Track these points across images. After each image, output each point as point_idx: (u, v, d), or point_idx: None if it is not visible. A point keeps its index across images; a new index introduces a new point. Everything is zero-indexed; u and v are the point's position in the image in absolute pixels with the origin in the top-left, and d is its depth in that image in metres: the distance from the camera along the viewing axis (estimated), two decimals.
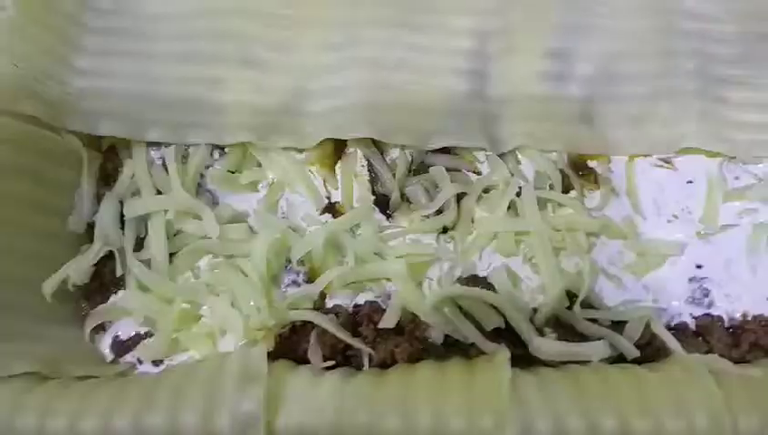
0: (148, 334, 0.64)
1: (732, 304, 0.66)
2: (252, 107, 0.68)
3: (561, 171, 0.68)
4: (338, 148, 0.69)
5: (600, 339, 0.63)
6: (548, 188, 0.68)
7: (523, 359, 0.62)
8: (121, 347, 0.64)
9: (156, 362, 0.63)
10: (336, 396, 0.57)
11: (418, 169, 0.69)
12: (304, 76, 0.69)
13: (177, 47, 0.70)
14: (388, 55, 0.69)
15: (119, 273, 0.64)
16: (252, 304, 0.62)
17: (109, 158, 0.69)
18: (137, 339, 0.64)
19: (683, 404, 0.56)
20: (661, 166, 0.69)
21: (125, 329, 0.65)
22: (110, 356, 0.64)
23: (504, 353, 0.60)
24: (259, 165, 0.68)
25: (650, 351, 0.63)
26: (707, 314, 0.65)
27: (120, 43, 0.69)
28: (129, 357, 0.64)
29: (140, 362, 0.64)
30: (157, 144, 0.68)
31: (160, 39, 0.70)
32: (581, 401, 0.57)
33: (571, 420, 0.56)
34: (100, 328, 0.65)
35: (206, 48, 0.69)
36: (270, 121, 0.68)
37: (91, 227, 0.66)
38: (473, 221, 0.67)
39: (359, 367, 0.62)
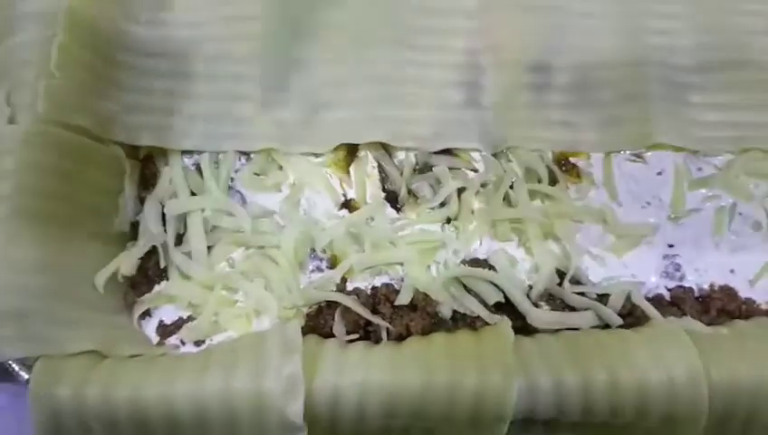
0: (189, 318, 0.72)
1: (700, 276, 0.74)
2: (274, 119, 0.76)
3: (548, 167, 0.77)
4: (350, 152, 0.77)
5: (587, 310, 0.72)
6: (537, 182, 0.76)
7: (522, 330, 0.70)
8: (166, 331, 0.71)
9: (197, 343, 0.71)
10: (362, 360, 0.64)
11: (423, 168, 0.77)
12: (319, 90, 0.78)
13: (206, 68, 0.77)
14: (392, 71, 0.78)
15: (162, 265, 0.72)
16: (284, 286, 0.71)
17: (146, 165, 0.76)
18: (179, 323, 0.72)
19: (663, 358, 0.64)
20: (634, 160, 0.78)
21: (169, 314, 0.72)
22: (155, 339, 0.71)
23: (506, 322, 0.68)
24: (281, 168, 0.76)
25: (632, 320, 0.71)
26: (680, 286, 0.74)
27: (155, 63, 0.77)
28: (172, 339, 0.71)
29: (183, 343, 0.71)
30: (189, 152, 0.76)
31: (191, 60, 0.77)
32: (575, 359, 0.65)
33: (567, 375, 0.64)
34: (146, 314, 0.72)
35: (230, 69, 0.78)
36: (290, 130, 0.76)
37: (133, 226, 0.74)
38: (473, 212, 0.75)
39: (378, 340, 0.70)
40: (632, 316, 0.72)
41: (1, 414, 0.77)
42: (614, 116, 0.79)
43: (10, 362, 0.65)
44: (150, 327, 0.72)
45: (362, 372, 0.63)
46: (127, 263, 0.71)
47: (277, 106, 0.77)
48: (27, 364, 0.65)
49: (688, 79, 0.80)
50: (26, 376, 0.64)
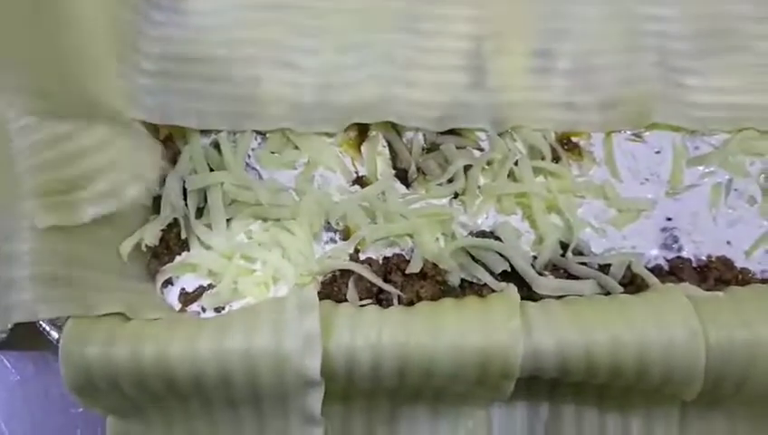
0: (209, 286, 0.75)
1: (698, 248, 0.78)
2: (288, 101, 0.80)
3: (551, 146, 0.80)
4: (362, 132, 0.81)
5: (589, 279, 0.75)
6: (540, 159, 0.80)
7: (528, 299, 0.73)
8: (188, 298, 0.75)
9: (217, 310, 0.74)
10: (376, 320, 0.68)
11: (431, 147, 0.80)
12: (330, 73, 0.81)
13: (222, 52, 0.81)
14: (399, 55, 0.82)
15: (183, 235, 0.76)
16: (300, 255, 0.74)
17: (167, 145, 0.80)
18: (200, 291, 0.75)
19: (663, 319, 0.67)
20: (633, 140, 0.81)
21: (190, 283, 0.76)
22: (177, 306, 0.75)
23: (512, 287, 0.72)
24: (295, 147, 0.80)
25: (633, 288, 0.74)
26: (678, 257, 0.77)
27: (175, 49, 0.81)
28: (194, 307, 0.75)
29: (204, 310, 0.74)
30: (207, 132, 0.80)
31: (208, 45, 0.82)
32: (578, 321, 0.67)
33: (570, 335, 0.67)
34: (168, 283, 0.76)
35: (247, 53, 0.81)
36: (304, 111, 0.80)
37: (155, 200, 0.78)
38: (479, 188, 0.78)
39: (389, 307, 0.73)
40: (633, 285, 0.75)
41: (26, 384, 0.80)
42: (614, 98, 0.82)
43: (41, 322, 0.68)
44: (173, 295, 0.76)
45: (376, 332, 0.67)
46: (150, 233, 0.75)
47: (293, 88, 0.80)
48: (58, 325, 0.68)
49: (685, 63, 0.84)
50: (57, 335, 0.68)
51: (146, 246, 0.75)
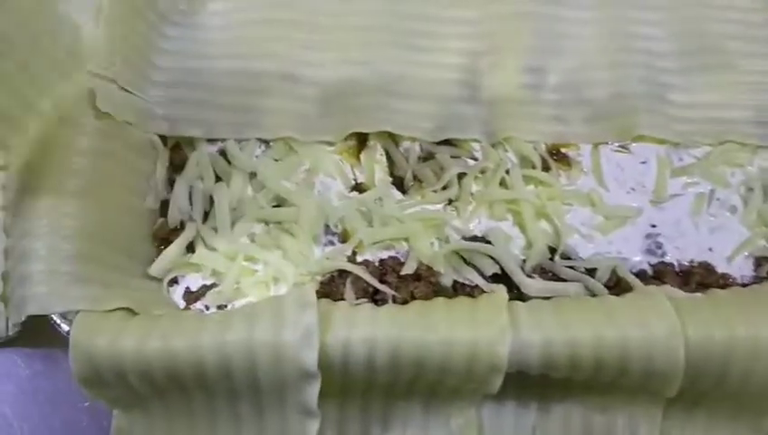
0: (213, 286, 0.79)
1: (681, 253, 0.81)
2: (292, 111, 0.85)
3: (541, 156, 0.84)
4: (360, 142, 0.85)
5: (576, 281, 0.79)
6: (531, 168, 0.83)
7: (517, 299, 0.76)
8: (192, 296, 0.78)
9: (220, 307, 0.78)
10: (371, 317, 0.71)
11: (427, 157, 0.84)
12: (332, 86, 0.86)
13: (231, 65, 0.86)
14: (397, 70, 0.87)
15: (190, 238, 0.80)
16: (300, 256, 0.78)
17: (175, 152, 0.84)
18: (204, 290, 0.78)
19: (643, 318, 0.70)
20: (620, 151, 0.85)
21: (194, 282, 0.79)
22: (182, 304, 0.78)
23: (501, 287, 0.75)
24: (297, 155, 0.84)
25: (617, 290, 0.77)
26: (662, 262, 0.81)
27: (186, 62, 0.86)
28: (198, 305, 0.78)
29: (207, 308, 0.78)
30: (213, 140, 0.84)
31: (217, 59, 0.87)
32: (563, 318, 0.70)
33: (555, 332, 0.69)
34: (174, 282, 0.79)
35: (254, 66, 0.86)
36: (306, 121, 0.84)
37: (163, 205, 0.82)
38: (472, 194, 0.82)
39: None
40: (618, 287, 0.78)
41: (36, 378, 0.84)
42: (602, 112, 0.86)
43: (53, 316, 0.72)
44: (177, 294, 0.79)
45: (370, 328, 0.70)
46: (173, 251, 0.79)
47: (296, 99, 0.85)
48: (68, 318, 0.71)
49: (670, 80, 0.89)
50: (67, 328, 0.71)
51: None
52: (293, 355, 0.68)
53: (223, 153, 0.83)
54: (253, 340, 0.68)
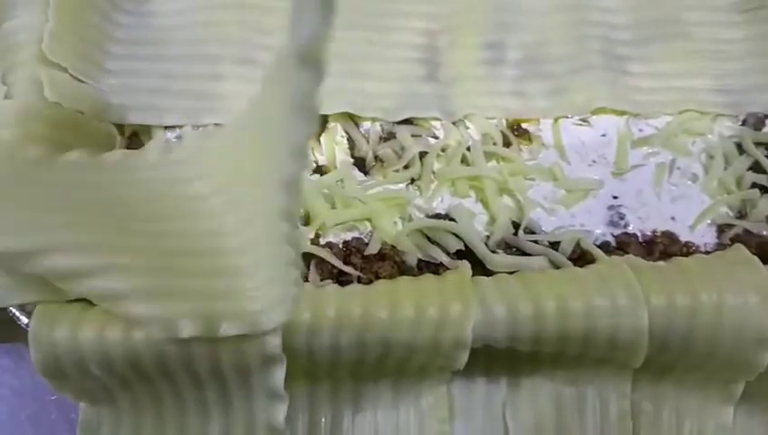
0: None
1: (644, 223, 0.81)
2: (248, 95, 0.83)
3: (502, 132, 0.84)
4: (320, 123, 0.84)
5: (540, 255, 0.79)
6: (492, 145, 0.83)
7: (483, 275, 0.77)
8: None
9: None
10: (335, 297, 0.70)
11: (388, 137, 0.84)
12: None
13: (185, 51, 0.85)
14: (357, 50, 0.86)
15: None
16: None
17: (131, 140, 0.83)
18: None
19: (607, 287, 0.70)
20: (580, 124, 0.85)
21: None
22: None
23: (465, 263, 0.75)
24: None
25: (582, 263, 0.77)
26: (625, 233, 0.81)
27: (140, 49, 0.85)
28: None
29: None
30: (171, 127, 0.83)
31: (171, 45, 0.85)
32: (528, 291, 0.70)
33: (521, 305, 0.69)
34: None
35: (209, 51, 0.85)
36: None
37: None
38: (434, 173, 0.82)
39: None
40: (582, 260, 0.78)
41: (1, 373, 0.83)
42: (561, 86, 0.87)
43: (11, 308, 0.71)
44: None
45: (335, 307, 0.69)
46: None
47: (252, 83, 0.84)
48: (27, 311, 0.70)
49: (628, 51, 0.89)
50: (26, 320, 0.70)
51: None
52: (255, 338, 0.67)
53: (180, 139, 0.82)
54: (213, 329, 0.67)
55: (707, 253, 0.80)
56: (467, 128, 0.85)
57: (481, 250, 0.77)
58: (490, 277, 0.74)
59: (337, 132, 0.84)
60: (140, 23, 0.87)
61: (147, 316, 0.64)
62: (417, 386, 0.77)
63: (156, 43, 0.86)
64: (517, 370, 0.77)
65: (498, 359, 0.75)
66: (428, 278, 0.74)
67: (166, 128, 0.83)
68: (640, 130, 0.85)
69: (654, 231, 0.81)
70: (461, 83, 0.86)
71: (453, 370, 0.73)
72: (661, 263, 0.75)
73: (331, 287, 0.73)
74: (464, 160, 0.82)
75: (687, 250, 0.80)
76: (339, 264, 0.77)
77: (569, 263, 0.77)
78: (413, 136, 0.84)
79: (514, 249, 0.79)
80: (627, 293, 0.70)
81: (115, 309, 0.65)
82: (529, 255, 0.79)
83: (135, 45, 0.85)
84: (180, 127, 0.83)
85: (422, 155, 0.83)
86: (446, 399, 0.77)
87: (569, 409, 0.77)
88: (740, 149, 0.84)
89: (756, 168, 0.83)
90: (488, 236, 0.79)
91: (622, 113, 0.86)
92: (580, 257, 0.79)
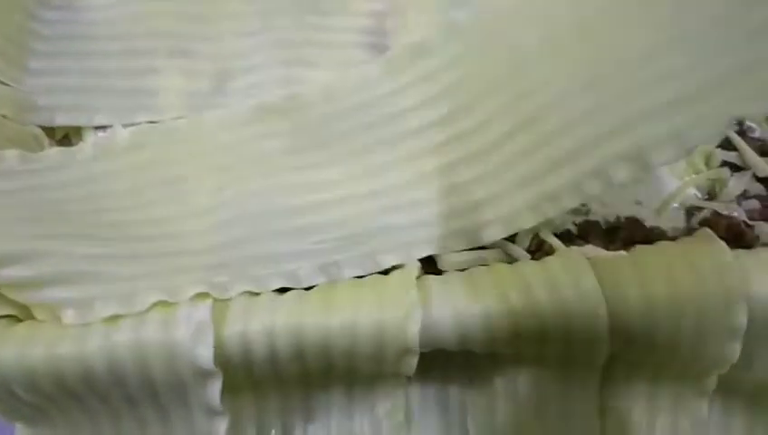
0: None
1: (607, 209, 0.76)
2: (182, 89, 0.79)
3: None
4: None
5: (494, 248, 0.74)
6: None
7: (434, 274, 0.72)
8: None
9: None
10: (269, 305, 0.66)
11: None
12: (227, 59, 0.81)
13: (116, 46, 0.81)
14: (297, 35, 0.81)
15: None
16: None
17: (62, 143, 0.79)
18: None
19: (556, 282, 0.65)
20: None
21: None
22: None
23: (413, 262, 0.70)
24: None
25: (540, 254, 0.72)
26: (586, 221, 0.76)
27: (66, 46, 0.80)
28: None
29: None
30: (103, 127, 0.79)
31: (101, 40, 0.81)
32: (475, 291, 0.66)
33: (465, 306, 0.65)
34: None
35: (141, 45, 0.81)
36: (200, 99, 0.79)
37: None
38: None
39: None
40: (540, 251, 0.73)
41: None
42: None
43: None
44: None
45: (268, 317, 0.65)
46: None
47: (189, 76, 0.79)
48: None
49: None
50: None
51: None
52: (186, 353, 0.63)
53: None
54: (141, 339, 0.64)
55: (675, 238, 0.75)
56: None
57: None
58: (437, 276, 0.69)
59: None
60: (68, 17, 0.82)
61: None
62: (370, 393, 0.72)
63: (84, 39, 0.81)
64: (475, 372, 0.73)
65: (454, 361, 0.71)
66: (372, 280, 0.69)
67: (97, 128, 0.78)
68: None
69: (618, 217, 0.76)
70: None
71: (406, 376, 0.69)
72: (621, 253, 0.70)
73: (266, 295, 0.68)
74: None
75: (653, 236, 0.75)
76: None
77: (526, 255, 0.72)
78: None
79: None
80: (580, 286, 0.65)
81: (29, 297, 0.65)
82: (483, 248, 0.73)
83: (62, 42, 0.81)
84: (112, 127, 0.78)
85: None
86: (402, 404, 0.73)
87: (530, 410, 0.72)
88: None
89: (726, 145, 0.78)
90: None
91: None
92: (539, 249, 0.74)
